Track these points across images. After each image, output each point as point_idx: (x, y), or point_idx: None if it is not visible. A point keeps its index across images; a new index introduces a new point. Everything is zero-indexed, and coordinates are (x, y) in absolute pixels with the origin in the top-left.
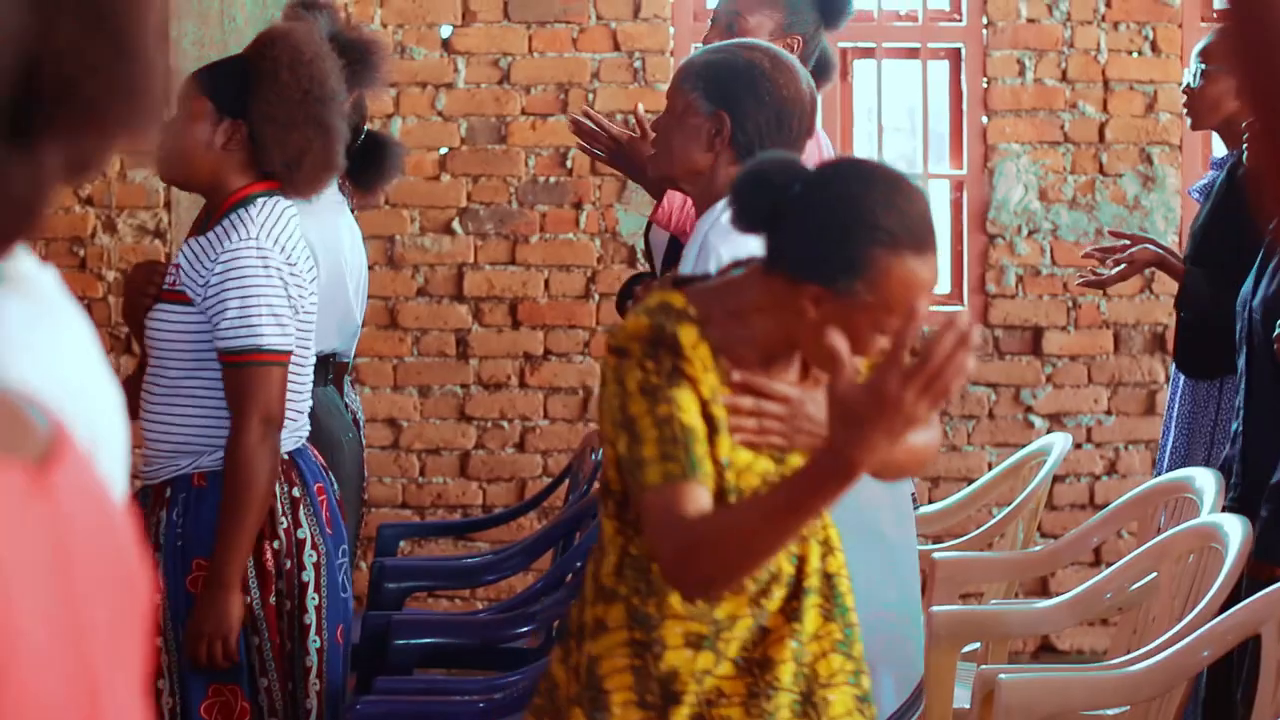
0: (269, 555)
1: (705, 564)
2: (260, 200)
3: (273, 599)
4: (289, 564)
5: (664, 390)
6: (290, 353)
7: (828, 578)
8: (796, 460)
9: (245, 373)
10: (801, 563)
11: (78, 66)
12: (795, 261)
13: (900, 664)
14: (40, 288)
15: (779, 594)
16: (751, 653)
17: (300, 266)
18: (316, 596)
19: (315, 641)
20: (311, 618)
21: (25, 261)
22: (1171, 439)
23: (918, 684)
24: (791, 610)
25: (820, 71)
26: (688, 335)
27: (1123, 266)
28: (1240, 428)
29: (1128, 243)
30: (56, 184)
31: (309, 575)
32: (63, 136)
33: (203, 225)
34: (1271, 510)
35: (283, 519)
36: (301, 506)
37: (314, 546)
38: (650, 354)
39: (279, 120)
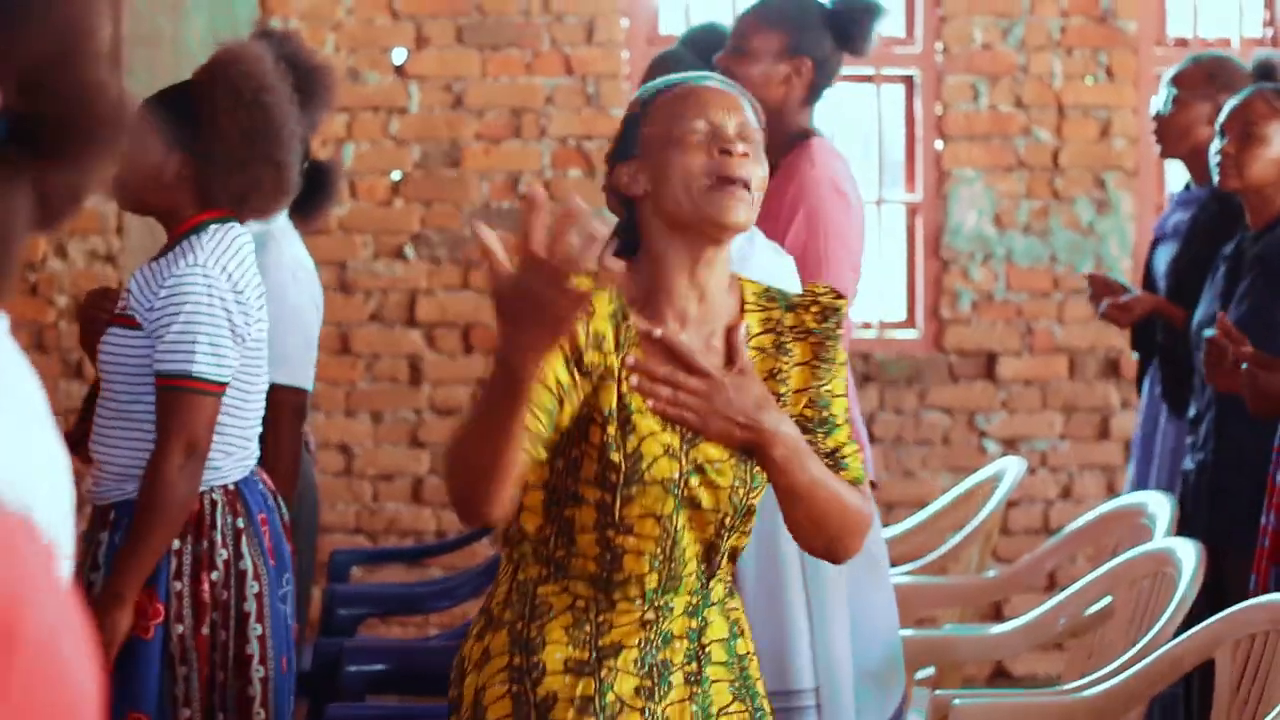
0: (206, 586)
1: (447, 475)
2: (213, 227)
3: (205, 630)
4: (226, 595)
5: None
6: (224, 384)
7: (739, 658)
8: (709, 449)
9: (173, 397)
10: (702, 629)
11: (45, 104)
12: (610, 168)
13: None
14: None
15: (679, 649)
16: (655, 705)
17: (248, 295)
18: (260, 627)
19: (259, 671)
20: (255, 648)
21: None
22: (1136, 468)
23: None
24: (696, 677)
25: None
26: (582, 281)
27: (1119, 314)
28: (1208, 460)
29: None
30: (29, 224)
31: (250, 606)
32: (31, 172)
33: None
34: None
35: (223, 550)
36: (245, 537)
37: (256, 577)
38: None
39: (223, 158)
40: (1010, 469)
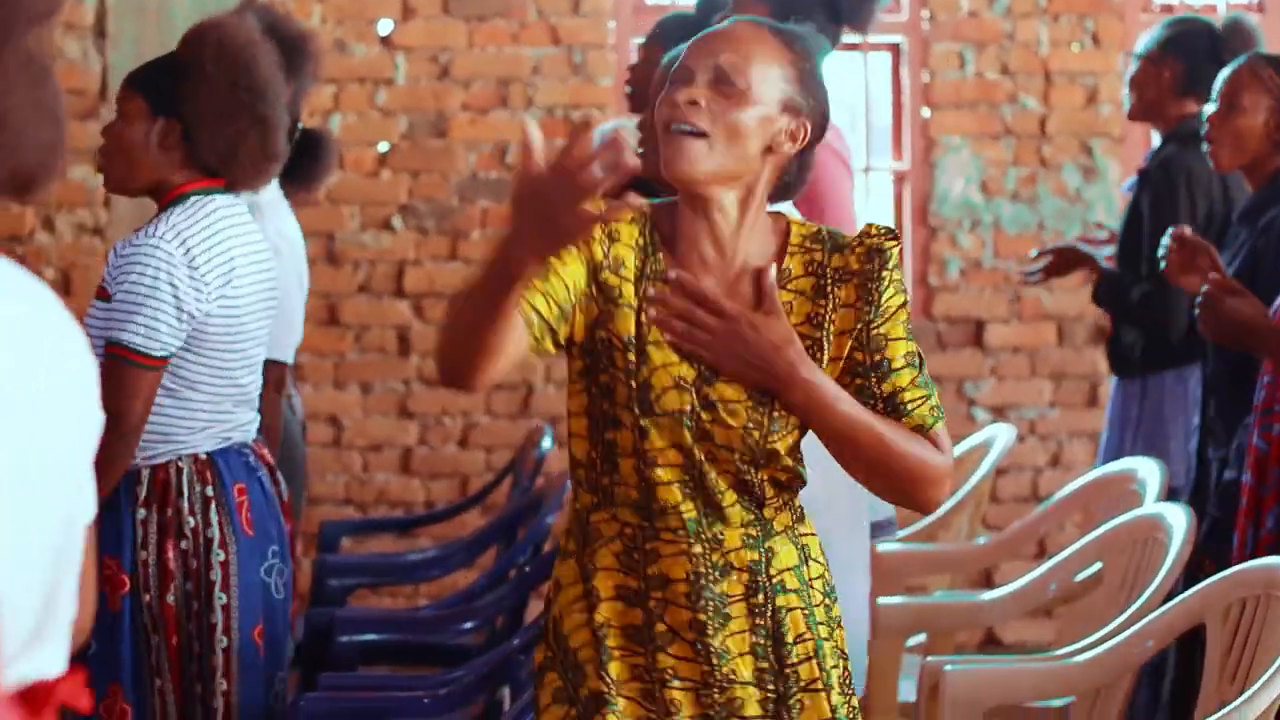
0: (171, 554)
1: (438, 338)
2: (193, 199)
3: (171, 598)
4: (195, 563)
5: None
6: (158, 358)
7: (807, 584)
8: (725, 388)
9: (105, 364)
10: (769, 560)
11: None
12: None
13: None
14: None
15: (737, 580)
16: (709, 639)
17: (206, 269)
18: (224, 596)
19: (222, 641)
20: (219, 617)
21: None
22: (1104, 435)
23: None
24: (762, 608)
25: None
26: (623, 215)
27: (1047, 265)
28: (1199, 421)
29: (1105, 235)
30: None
31: (216, 574)
32: None
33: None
34: (1221, 512)
35: (190, 518)
36: (214, 505)
37: (222, 545)
38: None
39: (209, 114)
40: (999, 436)
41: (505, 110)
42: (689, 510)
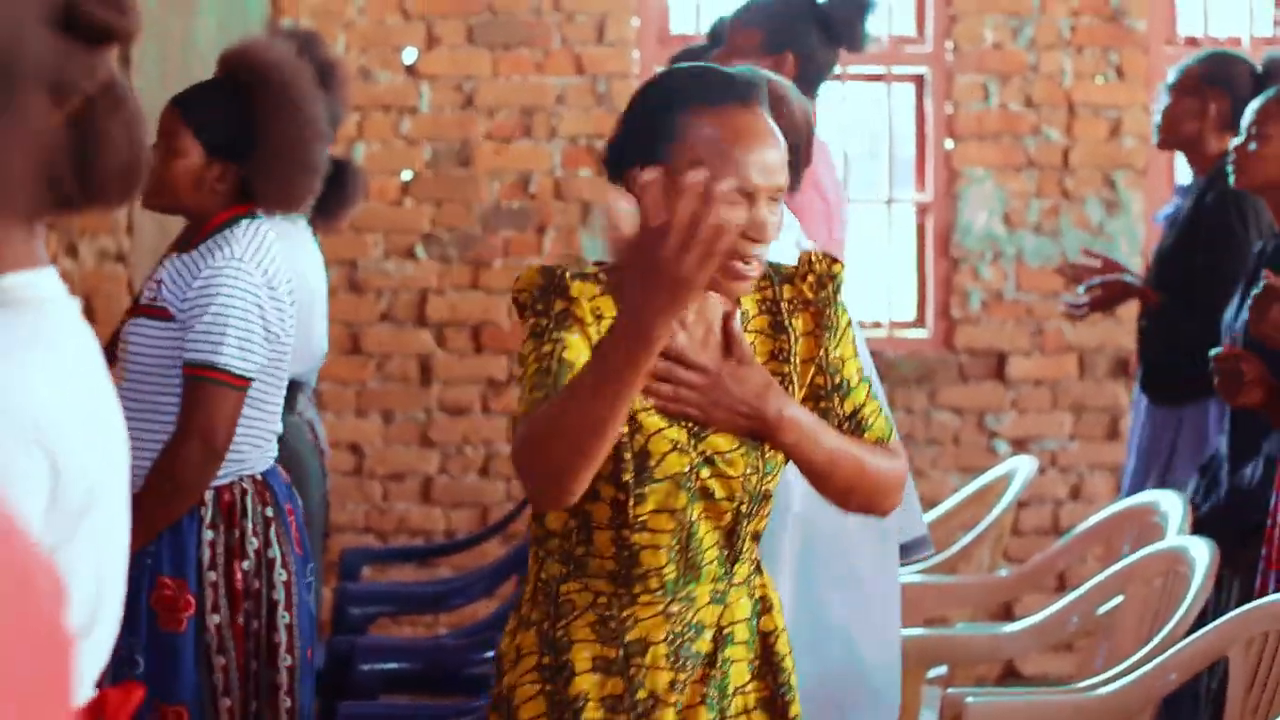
0: (239, 575)
1: (535, 455)
2: (244, 222)
3: (240, 619)
4: (258, 584)
5: (551, 332)
6: (249, 379)
7: (762, 636)
8: (717, 440)
9: (195, 387)
10: (723, 612)
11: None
12: (621, 156)
13: (875, 715)
14: (41, 305)
15: (706, 637)
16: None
17: (280, 291)
18: (287, 615)
19: (286, 660)
20: (282, 636)
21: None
22: (1131, 463)
23: None
24: (711, 658)
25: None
26: (583, 288)
27: (1097, 293)
28: (1225, 452)
29: (1098, 264)
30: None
31: (279, 595)
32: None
33: (183, 243)
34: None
35: (253, 539)
36: (274, 526)
37: (284, 566)
38: (541, 298)
39: (275, 172)
40: (1021, 469)
41: (529, 139)
42: (670, 571)
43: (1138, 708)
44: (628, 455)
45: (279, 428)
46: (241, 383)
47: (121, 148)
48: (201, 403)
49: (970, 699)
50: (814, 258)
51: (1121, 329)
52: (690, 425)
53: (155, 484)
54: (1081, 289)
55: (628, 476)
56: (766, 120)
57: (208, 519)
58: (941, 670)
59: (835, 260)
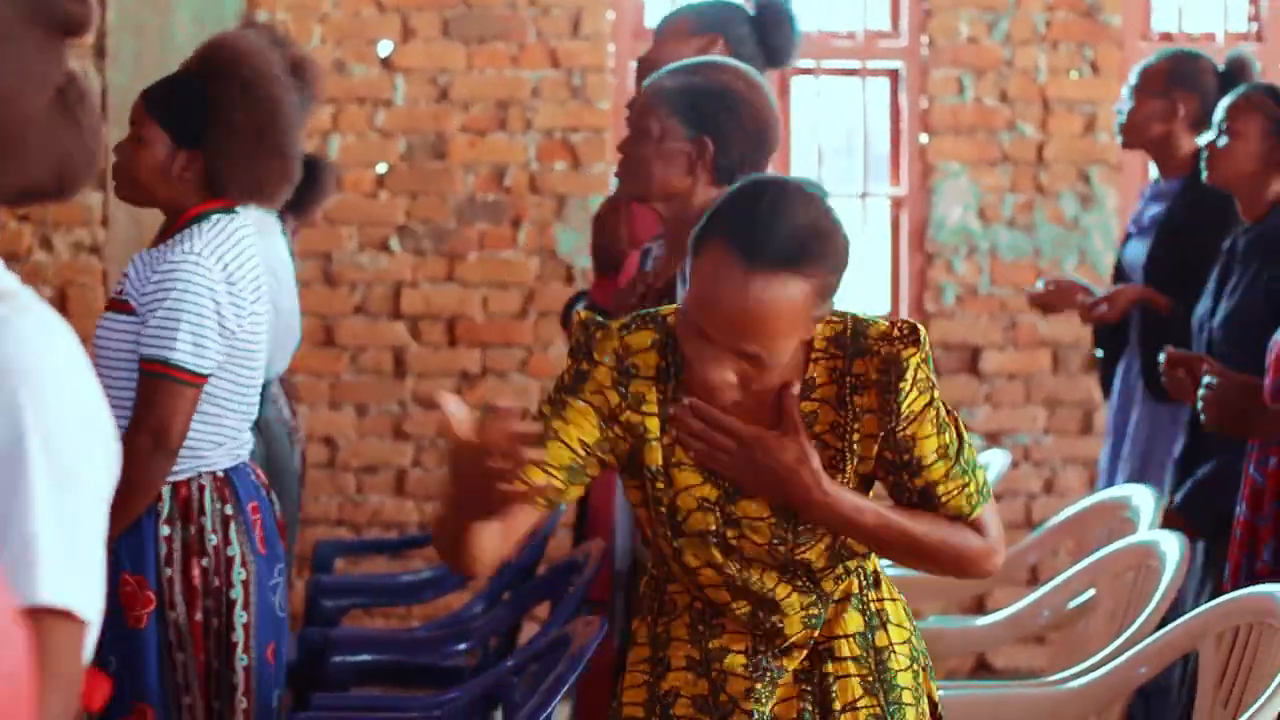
0: (196, 572)
1: (436, 543)
2: (215, 217)
3: (199, 616)
4: (217, 581)
5: (561, 392)
6: (204, 376)
7: (876, 650)
8: (748, 504)
9: (148, 382)
10: (830, 625)
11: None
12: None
13: None
14: (31, 302)
15: (797, 655)
16: (763, 707)
17: (241, 287)
18: (245, 614)
19: (243, 659)
20: (239, 635)
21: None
22: (1124, 463)
23: None
24: (809, 674)
25: None
26: (638, 339)
27: (1105, 309)
28: (1187, 442)
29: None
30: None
31: (237, 593)
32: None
33: (158, 237)
34: (1207, 478)
35: (212, 535)
36: (233, 524)
37: (243, 564)
38: (573, 352)
39: (238, 154)
40: (994, 462)
41: (504, 132)
42: (742, 607)
43: (1109, 701)
44: (662, 509)
45: (244, 427)
46: (196, 379)
47: (90, 138)
48: (154, 398)
49: (941, 693)
50: (894, 332)
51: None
52: (725, 485)
53: None
54: (1099, 292)
55: (665, 530)
56: (762, 294)
57: (164, 514)
58: None
59: (914, 340)
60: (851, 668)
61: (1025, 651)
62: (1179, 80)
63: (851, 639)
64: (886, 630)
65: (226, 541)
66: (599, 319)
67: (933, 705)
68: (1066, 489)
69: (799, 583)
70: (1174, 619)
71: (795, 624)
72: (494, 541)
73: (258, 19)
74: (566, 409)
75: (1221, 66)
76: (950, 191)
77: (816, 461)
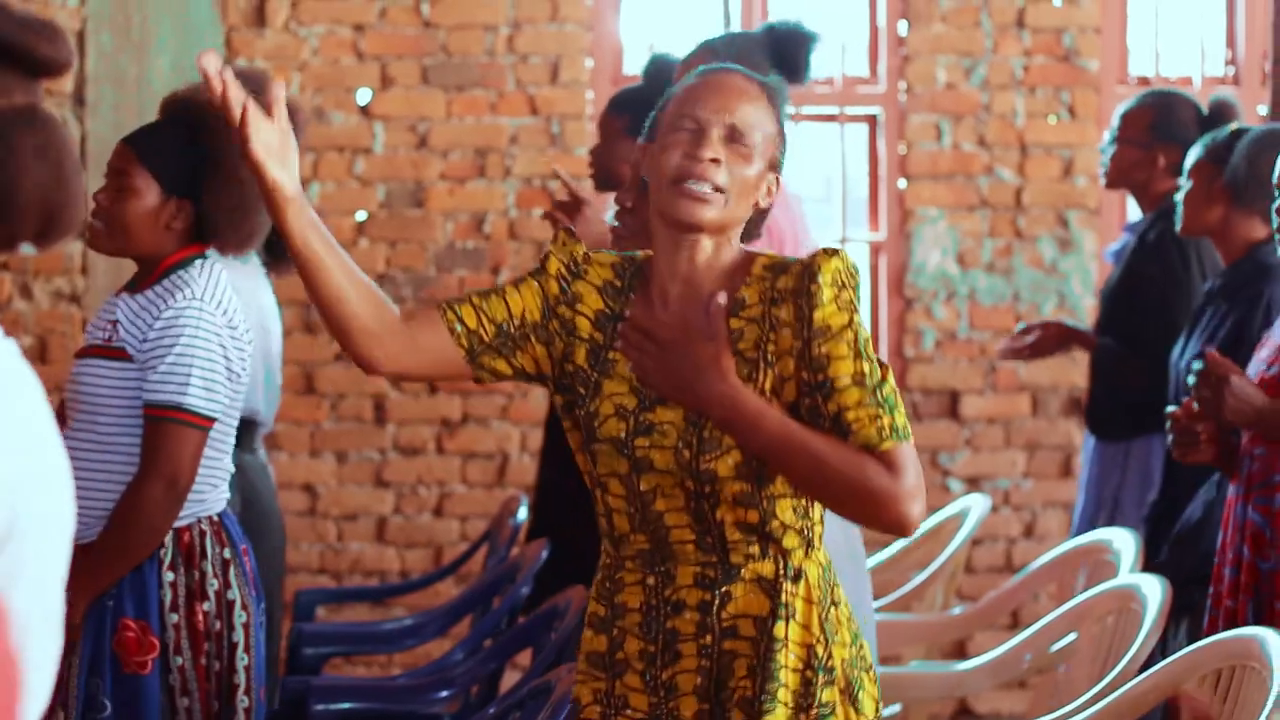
0: (200, 617)
1: None
2: (199, 262)
3: (203, 660)
4: (219, 625)
5: (522, 276)
6: (213, 419)
7: (770, 639)
8: (663, 411)
9: (160, 428)
10: (722, 603)
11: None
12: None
13: None
14: None
15: (690, 618)
16: (658, 671)
17: (240, 330)
18: (246, 657)
19: (244, 701)
20: (241, 678)
21: None
22: (1080, 501)
23: None
24: (709, 649)
25: None
26: (601, 256)
27: (1036, 336)
28: (1162, 488)
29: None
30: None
31: (239, 636)
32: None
33: (134, 284)
34: (1185, 534)
35: (214, 580)
36: (232, 568)
37: (244, 607)
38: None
39: (233, 206)
40: (974, 507)
41: (483, 180)
42: (640, 541)
43: None
44: (579, 413)
45: (231, 468)
46: (206, 423)
47: (44, 181)
48: (166, 444)
49: None
50: (818, 251)
51: (1075, 367)
52: (646, 395)
53: (119, 526)
54: (1020, 326)
55: (578, 434)
56: (738, 80)
57: (168, 560)
58: (896, 708)
59: (833, 251)
60: (745, 648)
61: (1007, 696)
62: (1161, 133)
63: (751, 620)
64: (788, 624)
65: (227, 585)
66: (574, 231)
67: None
68: (1046, 533)
69: (706, 538)
70: (1152, 663)
71: (687, 575)
72: (388, 327)
73: (237, 66)
74: (521, 284)
75: (1205, 110)
76: (929, 236)
77: (729, 363)
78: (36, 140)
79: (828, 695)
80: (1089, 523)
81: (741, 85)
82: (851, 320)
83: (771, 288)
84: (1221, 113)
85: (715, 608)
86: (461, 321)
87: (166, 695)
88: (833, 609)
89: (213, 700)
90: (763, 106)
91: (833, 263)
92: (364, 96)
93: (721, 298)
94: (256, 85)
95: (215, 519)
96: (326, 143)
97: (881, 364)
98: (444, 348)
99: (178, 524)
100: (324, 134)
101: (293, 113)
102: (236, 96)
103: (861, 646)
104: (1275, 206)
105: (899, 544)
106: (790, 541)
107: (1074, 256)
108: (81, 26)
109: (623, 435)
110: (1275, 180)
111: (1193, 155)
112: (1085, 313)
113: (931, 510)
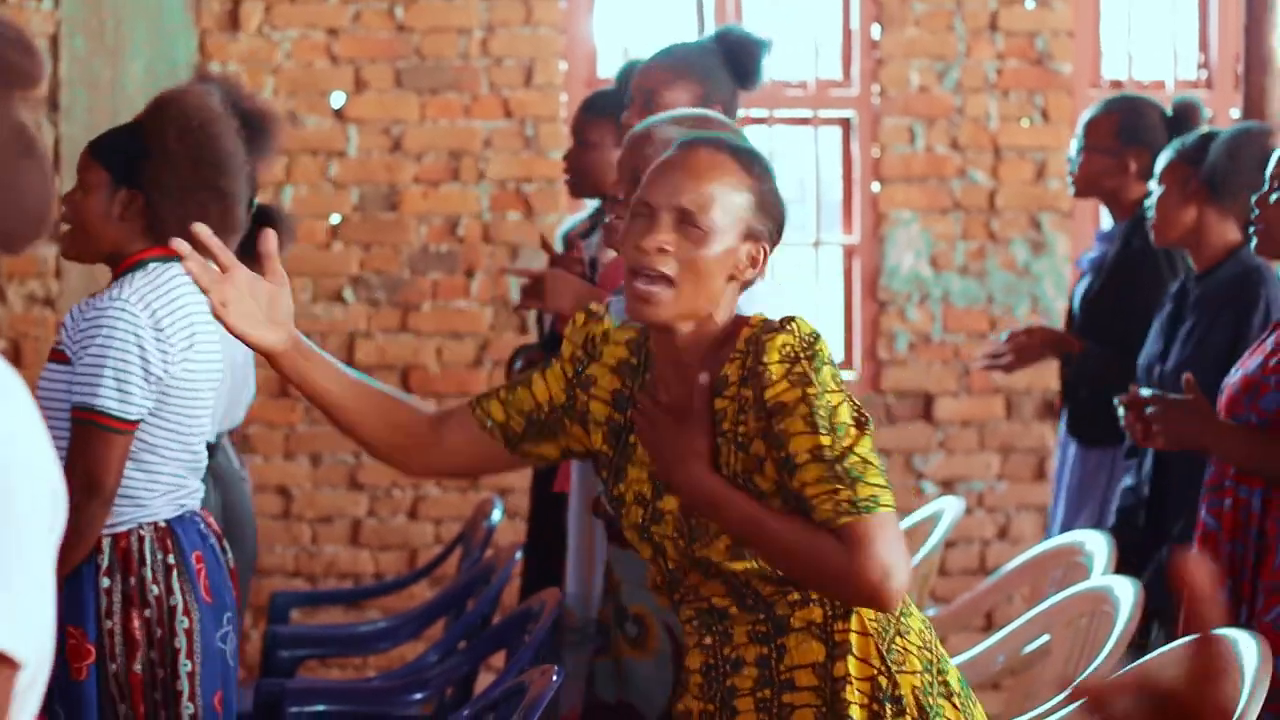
0: (137, 623)
1: None
2: (152, 265)
3: (138, 667)
4: (160, 631)
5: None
6: (130, 422)
7: (833, 680)
8: (668, 499)
9: (78, 430)
10: (778, 656)
11: None
12: None
13: None
14: None
15: (749, 674)
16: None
17: (170, 333)
18: (189, 663)
19: (189, 708)
20: (185, 684)
21: None
22: (1061, 507)
23: None
24: (768, 703)
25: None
26: (619, 334)
27: (1021, 340)
28: (1147, 494)
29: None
30: None
31: (181, 642)
32: None
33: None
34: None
35: (154, 586)
36: (175, 573)
37: (186, 613)
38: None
39: (172, 187)
40: (948, 509)
41: (457, 183)
42: (686, 612)
43: None
44: (611, 497)
45: (189, 475)
46: (124, 425)
47: (34, 192)
48: (84, 447)
49: None
50: (765, 327)
51: (1049, 370)
52: (658, 481)
53: None
54: (1003, 336)
55: (614, 518)
56: (701, 156)
57: (104, 566)
58: None
59: (785, 324)
60: (808, 697)
61: (981, 697)
62: (1129, 136)
63: (810, 669)
64: (847, 661)
65: (169, 591)
66: (596, 310)
67: None
68: (1020, 535)
69: (746, 600)
70: (1124, 664)
71: (741, 634)
72: (415, 438)
73: (210, 70)
74: (547, 370)
75: (1169, 111)
76: (902, 239)
77: (704, 447)
78: (33, 162)
79: None
80: (1071, 528)
81: (704, 160)
82: (805, 395)
83: (747, 365)
84: (1187, 114)
85: (774, 661)
86: (490, 417)
87: (106, 701)
88: (897, 639)
89: (159, 708)
90: (729, 179)
91: (779, 339)
92: (338, 100)
93: (704, 378)
94: (230, 92)
95: (163, 525)
96: (300, 146)
97: (859, 424)
98: (479, 445)
99: (115, 530)
100: (298, 137)
101: (267, 119)
102: (207, 275)
103: (941, 674)
104: (1258, 197)
105: None
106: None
107: (1047, 259)
108: (55, 30)
109: (641, 522)
110: (1270, 170)
111: (1164, 159)
112: (1057, 314)
113: (906, 513)
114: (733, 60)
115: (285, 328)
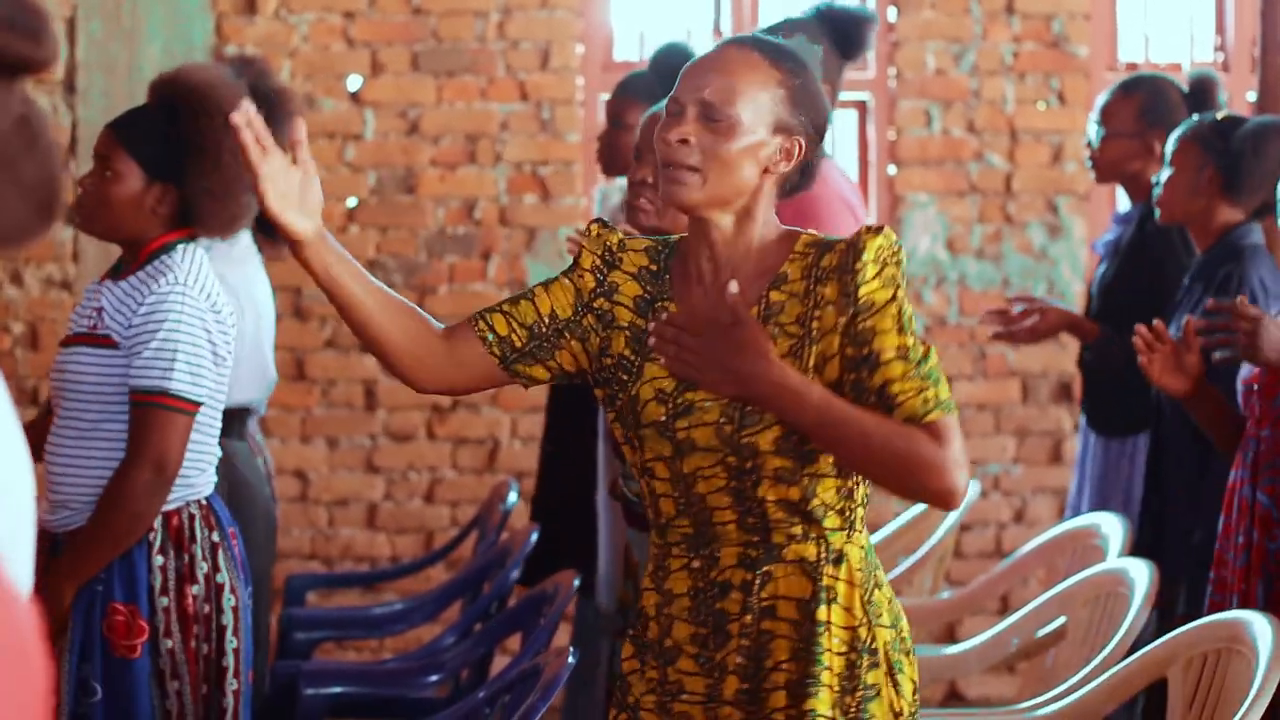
0: (190, 600)
1: None
2: (181, 247)
3: (192, 644)
4: (208, 608)
5: (554, 275)
6: (199, 404)
7: (812, 623)
8: (693, 393)
9: (146, 413)
10: (762, 583)
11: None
12: None
13: None
14: None
15: (735, 599)
16: (711, 653)
17: (224, 314)
18: (235, 640)
19: (233, 684)
20: (230, 660)
21: None
22: (1086, 498)
23: None
24: (744, 627)
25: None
26: (635, 243)
27: (1035, 320)
28: (1150, 486)
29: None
30: None
31: (228, 619)
32: None
33: (118, 270)
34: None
35: (203, 563)
36: (220, 551)
37: (232, 590)
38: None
39: (217, 193)
40: None
41: (474, 166)
42: (684, 526)
43: None
44: (621, 402)
45: (219, 451)
46: (192, 407)
47: (36, 183)
48: (153, 429)
49: None
50: (862, 229)
51: (1064, 353)
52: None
53: (106, 512)
54: (1018, 309)
55: (620, 426)
56: (728, 53)
57: (157, 544)
58: None
59: (878, 228)
60: (785, 629)
61: (996, 680)
62: (1152, 119)
63: (794, 603)
64: (830, 608)
65: (216, 569)
66: (608, 221)
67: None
68: (1036, 518)
69: (748, 519)
70: (1139, 646)
71: (730, 556)
72: (427, 347)
73: (227, 53)
74: (552, 283)
75: (1186, 88)
76: (918, 222)
77: (767, 341)
78: (36, 152)
79: (872, 677)
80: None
81: (729, 57)
82: (895, 295)
83: (815, 264)
84: (1204, 89)
85: (756, 587)
86: (493, 330)
87: (156, 679)
88: (875, 591)
89: (202, 683)
90: (756, 74)
91: (877, 240)
92: (354, 83)
93: (733, 286)
94: (252, 73)
95: (204, 502)
96: (317, 129)
97: (926, 347)
98: (479, 359)
99: (167, 508)
100: (314, 121)
101: (284, 100)
102: (256, 149)
103: (902, 630)
104: None
105: (887, 529)
106: (831, 523)
107: (1063, 242)
108: (72, 14)
109: (664, 418)
110: None
111: (1174, 139)
112: (1074, 298)
113: None
114: (834, 33)
115: (314, 218)
